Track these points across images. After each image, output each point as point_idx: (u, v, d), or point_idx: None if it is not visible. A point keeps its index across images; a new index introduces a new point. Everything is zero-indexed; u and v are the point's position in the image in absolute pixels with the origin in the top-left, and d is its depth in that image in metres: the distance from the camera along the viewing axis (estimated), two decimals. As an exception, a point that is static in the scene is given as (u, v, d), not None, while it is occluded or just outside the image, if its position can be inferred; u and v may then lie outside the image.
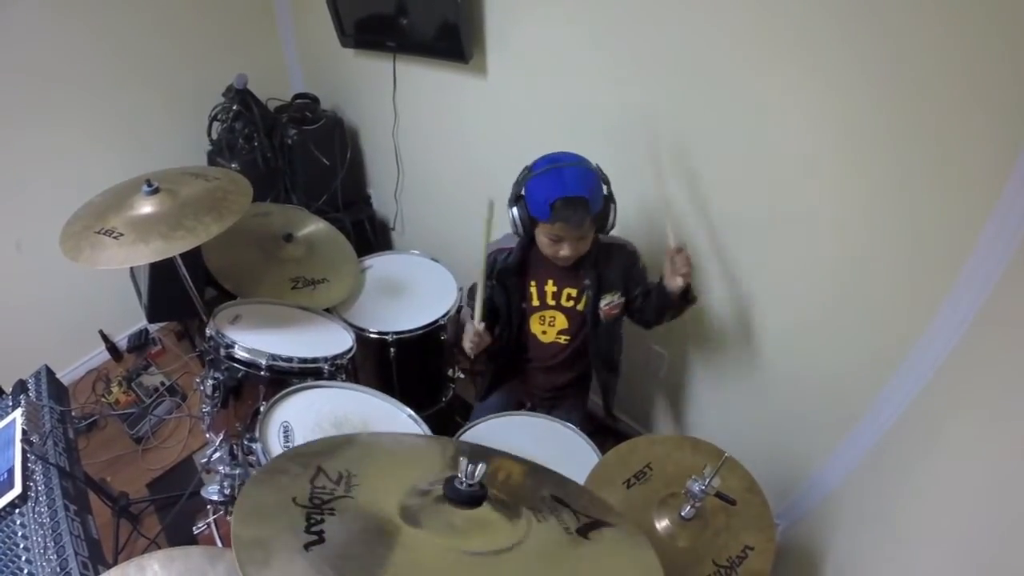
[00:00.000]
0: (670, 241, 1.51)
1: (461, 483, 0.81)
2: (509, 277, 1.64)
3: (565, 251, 1.50)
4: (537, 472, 1.09)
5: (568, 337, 1.72)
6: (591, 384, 1.89)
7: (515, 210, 1.52)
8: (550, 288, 1.66)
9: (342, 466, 0.85)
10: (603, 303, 1.62)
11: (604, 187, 1.50)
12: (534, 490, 0.98)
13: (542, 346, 1.75)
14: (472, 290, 1.75)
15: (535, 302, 1.68)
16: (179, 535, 2.00)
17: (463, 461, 0.81)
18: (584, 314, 1.66)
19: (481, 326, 1.56)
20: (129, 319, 2.87)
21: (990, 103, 1.13)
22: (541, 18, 1.84)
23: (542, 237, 1.52)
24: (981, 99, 1.13)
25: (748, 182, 1.58)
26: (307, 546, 0.67)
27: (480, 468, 0.81)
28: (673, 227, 1.53)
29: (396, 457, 1.04)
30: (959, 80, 1.15)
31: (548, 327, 1.72)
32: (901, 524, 1.23)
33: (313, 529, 0.69)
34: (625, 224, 1.84)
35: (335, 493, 0.78)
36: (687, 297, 1.54)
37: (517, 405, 1.87)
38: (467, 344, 1.60)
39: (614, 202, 1.52)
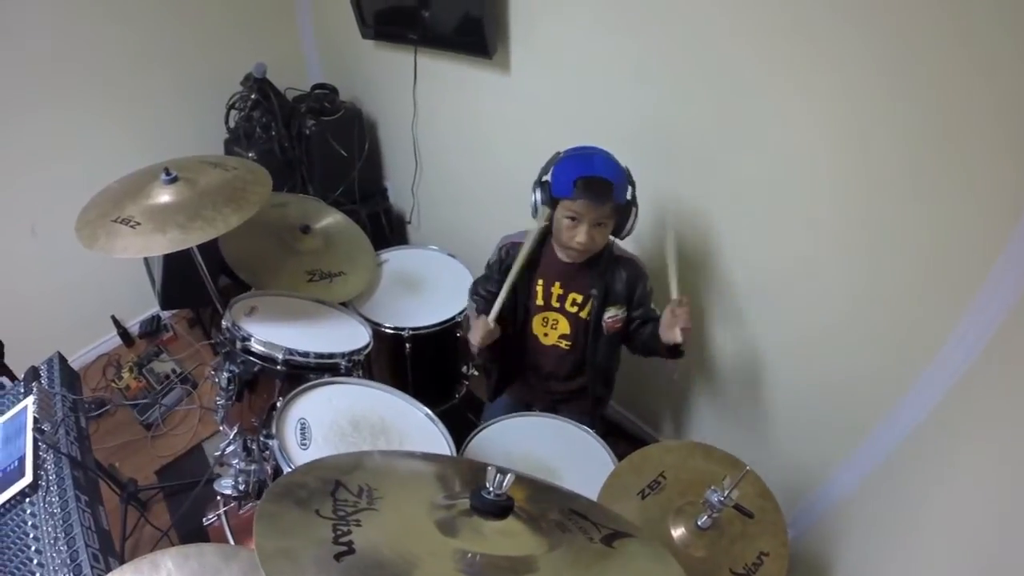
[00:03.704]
0: (672, 291, 1.48)
1: (489, 493, 0.79)
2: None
3: (581, 236, 1.44)
4: (545, 491, 1.07)
5: (569, 343, 1.69)
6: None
7: (537, 193, 1.49)
8: (556, 290, 1.63)
9: (361, 480, 0.83)
10: (607, 315, 1.60)
11: (630, 187, 1.47)
12: (548, 506, 0.97)
13: (543, 348, 1.72)
14: (476, 285, 1.74)
15: (539, 301, 1.65)
16: (188, 524, 1.98)
17: (491, 471, 0.79)
18: (587, 322, 1.63)
19: (492, 323, 1.56)
20: (142, 305, 2.86)
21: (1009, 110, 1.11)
22: (567, 15, 1.80)
23: (560, 219, 1.47)
24: (1000, 107, 1.11)
25: (767, 188, 1.55)
26: (338, 556, 0.65)
27: (509, 479, 0.79)
28: (679, 269, 1.50)
29: (412, 474, 1.03)
30: (977, 87, 1.12)
31: (550, 329, 1.69)
32: (913, 536, 1.22)
33: (341, 540, 0.67)
34: (638, 231, 1.82)
35: (358, 506, 0.76)
36: (676, 351, 1.48)
37: (524, 408, 1.84)
38: (475, 338, 1.59)
39: (636, 207, 1.49)
